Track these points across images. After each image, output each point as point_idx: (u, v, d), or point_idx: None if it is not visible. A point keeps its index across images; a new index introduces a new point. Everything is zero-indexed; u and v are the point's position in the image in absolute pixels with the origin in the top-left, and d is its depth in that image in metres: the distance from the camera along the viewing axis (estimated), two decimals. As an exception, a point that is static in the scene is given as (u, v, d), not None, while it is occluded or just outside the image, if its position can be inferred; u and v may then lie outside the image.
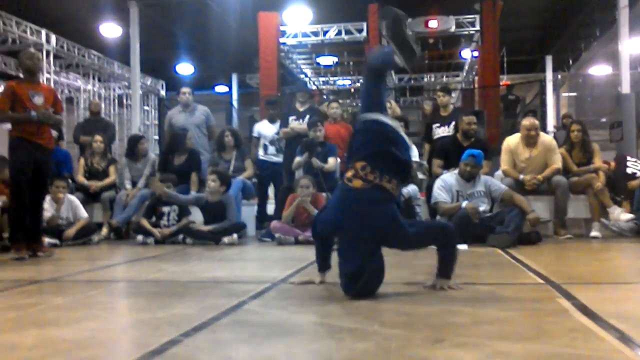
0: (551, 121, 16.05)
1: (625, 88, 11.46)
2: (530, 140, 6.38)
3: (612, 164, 8.04)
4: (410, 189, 6.03)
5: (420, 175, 7.18)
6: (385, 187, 2.86)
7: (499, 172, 6.76)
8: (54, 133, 7.86)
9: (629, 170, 7.18)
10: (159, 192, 6.33)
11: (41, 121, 5.01)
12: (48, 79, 13.45)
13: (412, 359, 1.79)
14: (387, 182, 2.87)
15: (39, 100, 5.08)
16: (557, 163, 6.34)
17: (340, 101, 8.91)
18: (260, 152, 7.79)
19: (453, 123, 7.00)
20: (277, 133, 7.78)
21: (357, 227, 2.80)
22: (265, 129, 7.92)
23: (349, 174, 2.92)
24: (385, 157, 2.91)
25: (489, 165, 6.50)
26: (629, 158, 7.55)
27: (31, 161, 5.02)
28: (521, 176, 6.26)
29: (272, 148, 7.80)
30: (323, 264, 3.20)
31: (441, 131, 7.32)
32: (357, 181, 2.86)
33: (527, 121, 6.53)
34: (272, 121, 7.94)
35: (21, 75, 5.47)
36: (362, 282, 2.76)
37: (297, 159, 6.84)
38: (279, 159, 7.75)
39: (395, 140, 2.98)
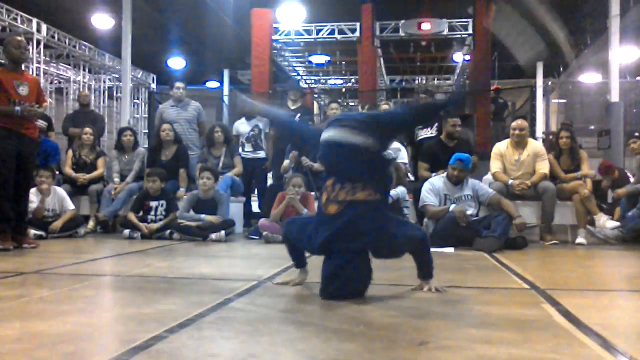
0: (541, 127, 16.16)
1: (615, 97, 11.54)
2: (518, 141, 6.43)
3: (617, 173, 8.01)
4: (400, 191, 6.04)
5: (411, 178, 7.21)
6: (359, 199, 2.78)
7: (487, 177, 6.79)
8: (43, 124, 7.81)
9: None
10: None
11: (25, 116, 4.95)
12: (38, 69, 13.35)
13: (397, 361, 1.80)
14: (362, 191, 2.79)
15: (24, 90, 4.99)
16: (545, 169, 6.38)
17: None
18: (240, 150, 7.79)
19: (436, 125, 7.05)
20: (252, 130, 7.77)
21: (345, 247, 2.80)
22: (242, 127, 7.92)
23: (324, 198, 2.89)
24: (352, 167, 2.86)
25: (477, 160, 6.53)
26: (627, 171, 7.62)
27: (15, 152, 4.94)
28: (510, 181, 6.29)
29: (249, 145, 7.79)
30: (299, 262, 3.22)
31: (424, 133, 7.35)
32: (332, 206, 2.82)
33: (515, 122, 6.59)
34: (248, 119, 7.93)
35: (5, 63, 5.32)
36: (337, 284, 2.76)
37: (286, 162, 6.83)
38: (255, 155, 7.74)
39: (355, 151, 2.86)
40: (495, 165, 6.49)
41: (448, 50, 18.25)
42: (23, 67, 5.40)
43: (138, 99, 18.42)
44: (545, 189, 6.25)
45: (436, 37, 15.66)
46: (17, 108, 4.88)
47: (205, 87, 22.18)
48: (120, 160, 7.43)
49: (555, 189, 6.30)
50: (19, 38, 5.35)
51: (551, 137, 10.24)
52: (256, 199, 8.22)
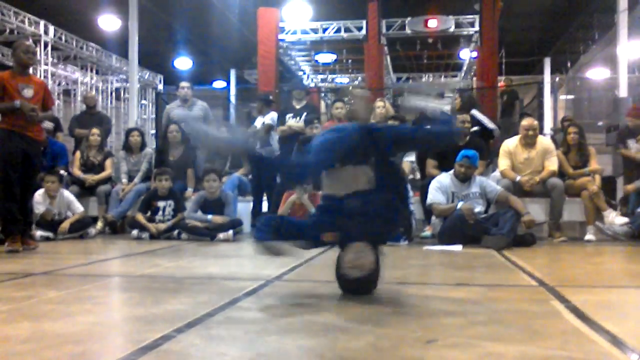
0: (549, 123, 16.06)
1: (623, 92, 11.46)
2: (528, 141, 6.40)
3: None
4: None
5: (411, 176, 7.19)
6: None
7: (495, 174, 6.77)
8: (50, 125, 7.85)
9: None
10: None
11: (23, 112, 4.93)
12: (45, 71, 13.40)
13: (405, 359, 1.79)
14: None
15: (28, 93, 5.04)
16: (553, 166, 6.35)
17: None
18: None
19: None
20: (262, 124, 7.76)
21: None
22: (258, 123, 7.90)
23: None
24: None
25: (483, 165, 6.50)
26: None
27: (20, 153, 4.97)
28: (518, 177, 6.26)
29: (258, 142, 7.76)
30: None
31: None
32: None
33: (526, 121, 6.54)
34: (263, 115, 7.90)
35: (13, 66, 5.38)
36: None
37: None
38: (262, 152, 7.69)
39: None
40: (503, 163, 6.46)
41: (455, 47, 18.17)
42: (30, 70, 5.44)
43: (145, 99, 18.47)
44: (554, 185, 6.22)
45: (443, 34, 15.59)
46: (17, 102, 4.90)
47: (212, 87, 22.18)
48: (128, 160, 7.46)
49: (564, 185, 6.28)
50: (28, 42, 5.43)
51: (557, 133, 10.21)
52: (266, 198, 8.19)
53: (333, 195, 2.89)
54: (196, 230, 6.22)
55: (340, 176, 2.88)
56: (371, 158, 2.89)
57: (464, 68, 19.54)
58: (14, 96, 4.94)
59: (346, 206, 2.79)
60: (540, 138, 6.61)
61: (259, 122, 7.87)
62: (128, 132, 7.80)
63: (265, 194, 8.01)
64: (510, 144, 6.55)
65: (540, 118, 12.54)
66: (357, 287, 2.78)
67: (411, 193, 6.21)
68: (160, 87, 18.84)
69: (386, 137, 2.96)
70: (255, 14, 14.42)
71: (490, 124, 7.37)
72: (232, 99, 19.78)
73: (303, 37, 15.95)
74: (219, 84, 22.39)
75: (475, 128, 7.17)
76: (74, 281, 3.50)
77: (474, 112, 7.42)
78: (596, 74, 19.01)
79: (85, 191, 7.17)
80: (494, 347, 1.90)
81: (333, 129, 3.07)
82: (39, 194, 6.22)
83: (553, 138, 9.67)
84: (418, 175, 7.22)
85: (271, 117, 7.86)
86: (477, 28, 14.70)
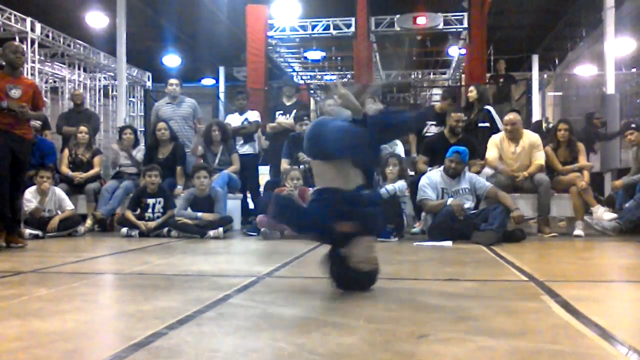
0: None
1: (610, 88, 11.56)
2: (512, 135, 6.47)
3: None
4: (398, 185, 6.02)
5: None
6: None
7: (484, 170, 6.80)
8: (37, 123, 7.79)
9: None
10: None
11: (11, 110, 4.94)
12: (33, 68, 13.28)
13: (397, 354, 1.80)
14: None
15: (16, 93, 5.03)
16: (541, 160, 6.41)
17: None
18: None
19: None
20: (242, 123, 7.78)
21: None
22: (234, 120, 7.89)
23: None
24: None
25: (479, 165, 6.52)
26: None
27: (8, 152, 4.96)
28: (500, 166, 6.34)
29: (240, 138, 7.77)
30: None
31: (434, 129, 7.35)
32: None
33: (507, 117, 6.64)
34: (241, 113, 7.91)
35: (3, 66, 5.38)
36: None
37: (284, 165, 6.79)
38: (245, 150, 7.72)
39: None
40: (489, 153, 6.53)
41: (443, 44, 18.22)
42: (20, 73, 5.43)
43: (133, 97, 18.35)
44: (540, 181, 6.27)
45: (431, 31, 15.63)
46: (3, 102, 4.91)
47: (201, 84, 22.09)
48: (121, 156, 7.46)
49: (549, 181, 6.33)
50: (17, 43, 5.44)
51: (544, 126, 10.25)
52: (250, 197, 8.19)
53: (334, 188, 2.83)
54: (186, 227, 6.21)
55: (340, 170, 2.86)
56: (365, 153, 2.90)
57: (453, 65, 19.59)
58: (0, 97, 4.92)
59: (362, 199, 2.80)
60: (527, 133, 6.66)
61: (235, 119, 7.87)
62: (121, 130, 7.78)
63: (249, 193, 8.02)
64: (497, 137, 6.63)
65: (529, 114, 12.60)
66: (365, 281, 2.80)
67: (405, 190, 6.19)
68: (149, 84, 18.73)
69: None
70: (243, 11, 14.38)
71: (500, 125, 7.43)
72: (221, 96, 19.70)
73: (292, 34, 15.92)
74: (207, 81, 22.30)
75: (486, 124, 7.23)
76: (63, 279, 3.47)
77: (490, 108, 7.49)
78: (584, 70, 19.12)
79: (73, 189, 7.13)
80: (485, 342, 1.91)
81: (335, 120, 3.03)
82: (29, 192, 6.18)
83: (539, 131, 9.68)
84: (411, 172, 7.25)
85: (257, 114, 7.91)
86: (465, 25, 14.76)
